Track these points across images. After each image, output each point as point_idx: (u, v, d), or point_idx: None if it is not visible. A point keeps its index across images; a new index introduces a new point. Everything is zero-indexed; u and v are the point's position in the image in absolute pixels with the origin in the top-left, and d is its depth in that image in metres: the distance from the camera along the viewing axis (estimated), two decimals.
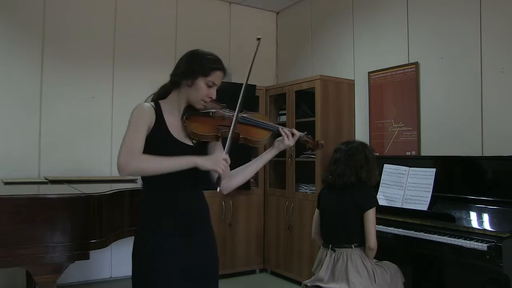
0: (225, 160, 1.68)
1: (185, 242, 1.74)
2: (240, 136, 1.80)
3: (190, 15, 4.85)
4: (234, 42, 5.13)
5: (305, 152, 4.25)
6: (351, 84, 4.25)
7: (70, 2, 4.25)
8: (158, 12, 4.68)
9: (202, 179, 1.82)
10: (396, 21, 3.85)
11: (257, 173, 4.64)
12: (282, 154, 4.46)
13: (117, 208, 2.64)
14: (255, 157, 2.02)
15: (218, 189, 1.71)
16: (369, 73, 4.07)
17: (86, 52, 4.27)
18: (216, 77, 1.77)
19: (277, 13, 5.49)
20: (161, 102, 1.80)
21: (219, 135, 1.79)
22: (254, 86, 4.64)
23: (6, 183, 3.29)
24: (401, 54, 3.78)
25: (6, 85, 3.92)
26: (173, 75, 1.81)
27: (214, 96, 1.80)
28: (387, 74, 3.90)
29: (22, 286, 3.59)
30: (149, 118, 1.72)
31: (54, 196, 2.38)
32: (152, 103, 1.78)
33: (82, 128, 4.21)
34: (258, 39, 1.81)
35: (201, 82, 1.75)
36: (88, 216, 2.37)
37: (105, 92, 4.36)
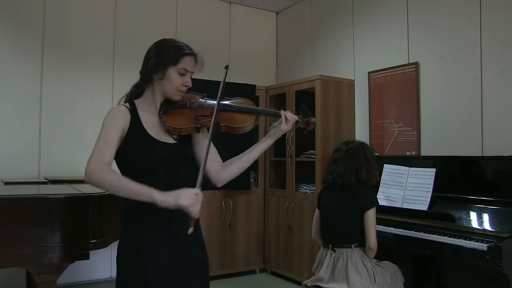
0: (196, 194, 1.46)
1: (172, 245, 1.65)
2: (221, 124, 1.69)
3: (190, 15, 4.85)
4: (234, 42, 5.12)
5: (305, 152, 4.25)
6: (351, 84, 4.24)
7: (70, 2, 4.24)
8: (158, 12, 4.68)
9: (190, 181, 1.66)
10: (396, 21, 3.85)
11: (257, 173, 4.67)
12: (282, 154, 4.50)
13: (117, 208, 2.64)
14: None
15: (188, 231, 1.46)
16: (369, 73, 4.07)
17: (86, 52, 4.27)
18: (187, 63, 1.65)
19: (277, 13, 5.49)
20: (136, 102, 1.70)
21: (199, 126, 1.67)
22: (254, 86, 4.64)
23: (6, 183, 3.29)
24: (401, 54, 3.78)
25: (6, 85, 3.93)
26: (142, 72, 1.71)
27: (190, 84, 1.68)
28: (387, 74, 3.90)
29: (22, 286, 3.59)
30: (123, 122, 1.62)
31: (54, 196, 2.37)
32: (127, 104, 1.68)
33: (82, 128, 4.21)
34: (226, 67, 1.72)
35: (172, 72, 1.64)
36: (88, 216, 2.38)
37: (105, 92, 4.35)
